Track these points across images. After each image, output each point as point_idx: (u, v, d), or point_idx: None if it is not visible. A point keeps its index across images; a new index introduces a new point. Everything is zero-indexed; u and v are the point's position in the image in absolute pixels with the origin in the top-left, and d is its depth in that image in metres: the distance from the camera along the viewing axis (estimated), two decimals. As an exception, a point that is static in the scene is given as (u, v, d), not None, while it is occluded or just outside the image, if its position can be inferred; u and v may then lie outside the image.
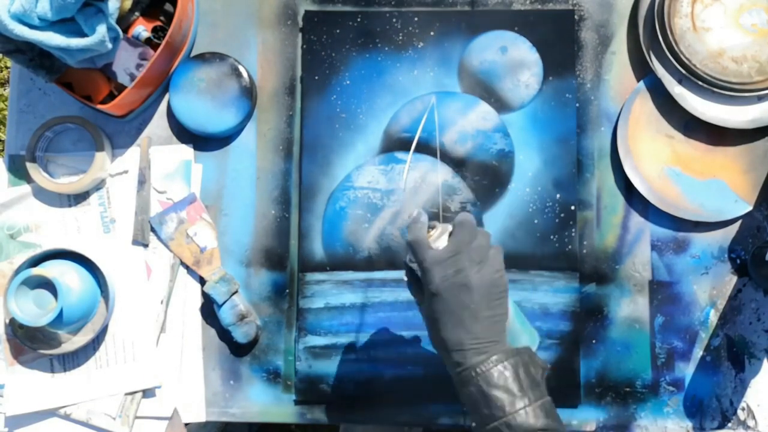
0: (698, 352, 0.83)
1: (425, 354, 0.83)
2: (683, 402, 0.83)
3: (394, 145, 0.85)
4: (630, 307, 0.84)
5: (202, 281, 0.85)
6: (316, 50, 0.86)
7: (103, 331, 0.83)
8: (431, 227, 0.64)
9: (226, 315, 0.83)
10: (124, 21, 0.82)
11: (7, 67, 1.67)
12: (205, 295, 0.84)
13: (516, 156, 0.85)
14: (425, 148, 0.85)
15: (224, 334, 0.84)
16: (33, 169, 0.84)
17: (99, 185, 0.86)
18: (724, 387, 0.83)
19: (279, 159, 0.87)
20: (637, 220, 0.85)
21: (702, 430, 0.83)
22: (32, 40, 0.74)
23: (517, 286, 0.83)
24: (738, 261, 0.84)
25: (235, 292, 0.83)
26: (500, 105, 0.85)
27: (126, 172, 0.87)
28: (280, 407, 0.84)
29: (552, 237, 0.83)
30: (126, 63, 0.82)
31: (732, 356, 0.83)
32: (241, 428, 1.27)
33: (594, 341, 0.84)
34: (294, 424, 1.31)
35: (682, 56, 0.83)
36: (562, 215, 0.84)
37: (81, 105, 0.85)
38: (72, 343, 0.82)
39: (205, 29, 0.88)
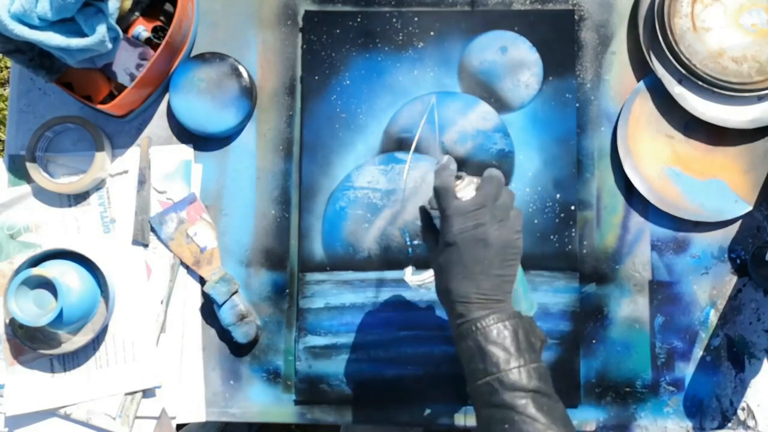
0: (698, 352, 0.83)
1: (425, 354, 0.83)
2: (683, 402, 0.83)
3: (394, 145, 0.85)
4: (630, 307, 0.84)
5: (202, 281, 0.85)
6: (316, 50, 0.86)
7: (103, 331, 0.83)
8: (459, 177, 0.64)
9: (226, 315, 0.83)
10: (124, 21, 0.82)
11: (7, 67, 1.67)
12: (205, 295, 0.84)
13: (516, 156, 0.85)
14: (425, 148, 0.85)
15: (224, 334, 0.84)
16: (33, 169, 0.84)
17: (99, 185, 0.86)
18: (724, 387, 0.83)
19: (279, 159, 0.87)
20: (637, 220, 0.85)
21: (702, 430, 0.83)
22: (32, 40, 0.74)
23: (517, 286, 0.83)
24: (738, 261, 0.84)
25: (235, 292, 0.83)
26: (500, 105, 0.85)
27: (126, 172, 0.87)
28: (280, 407, 0.84)
29: (552, 237, 0.83)
30: (126, 63, 0.82)
31: (732, 356, 0.83)
32: (241, 428, 1.27)
33: (594, 341, 0.84)
34: (294, 424, 1.31)
35: (682, 56, 0.83)
36: (562, 215, 0.84)
37: (81, 105, 0.85)
38: (72, 343, 0.82)
39: (205, 29, 0.88)
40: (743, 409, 0.83)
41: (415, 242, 0.84)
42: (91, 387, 0.83)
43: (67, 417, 0.83)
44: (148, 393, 0.84)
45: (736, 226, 0.85)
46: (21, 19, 0.73)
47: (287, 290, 0.85)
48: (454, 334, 0.62)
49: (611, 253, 0.84)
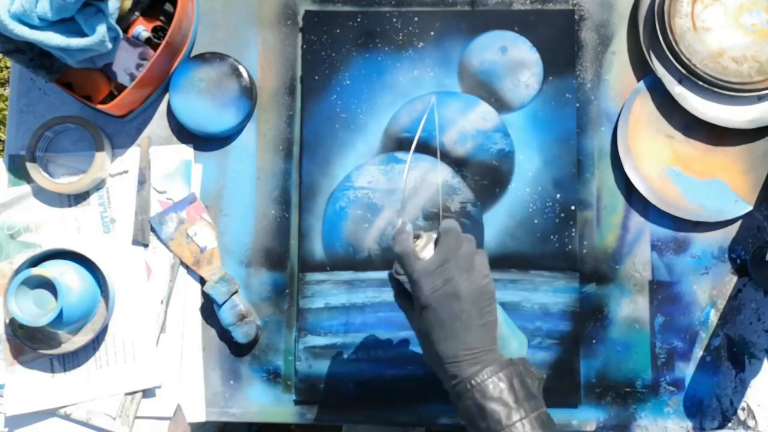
0: (698, 352, 0.83)
1: (425, 354, 0.83)
2: (683, 402, 0.83)
3: (394, 145, 0.85)
4: (630, 307, 0.84)
5: (202, 281, 0.85)
6: (316, 50, 0.86)
7: (103, 331, 0.83)
8: (417, 237, 0.64)
9: (226, 315, 0.83)
10: (124, 21, 0.82)
11: (7, 67, 1.67)
12: (205, 295, 0.84)
13: (516, 156, 0.85)
14: (425, 148, 0.85)
15: (224, 334, 0.84)
16: (33, 169, 0.84)
17: (99, 185, 0.86)
18: (724, 387, 0.83)
19: (279, 159, 0.87)
20: (637, 220, 0.85)
21: (702, 430, 0.83)
22: (32, 40, 0.74)
23: (517, 286, 0.83)
24: (738, 261, 0.84)
25: (235, 292, 0.83)
26: (500, 105, 0.85)
27: (126, 172, 0.87)
28: (280, 407, 0.84)
29: (552, 237, 0.83)
30: (126, 63, 0.82)
31: (732, 356, 0.83)
32: (241, 428, 1.27)
33: (594, 341, 0.84)
34: (294, 424, 1.31)
35: (682, 56, 0.83)
36: (562, 215, 0.84)
37: (81, 105, 0.85)
38: (72, 343, 0.82)
39: (205, 29, 0.88)
40: (743, 409, 0.83)
41: (415, 242, 0.84)
42: (91, 387, 0.83)
43: (67, 417, 0.83)
44: (148, 393, 0.84)
45: (736, 226, 0.85)
46: (21, 19, 0.73)
47: (287, 290, 0.85)
48: (451, 395, 0.62)
49: (611, 253, 0.84)
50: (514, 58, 0.86)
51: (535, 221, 0.84)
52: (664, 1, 0.83)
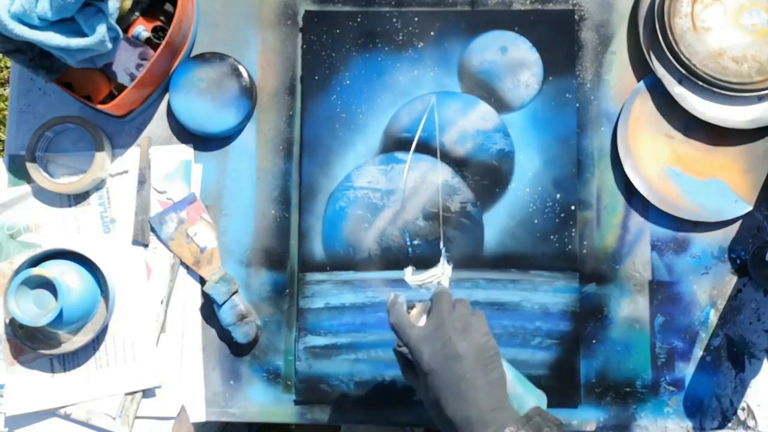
0: (698, 352, 0.83)
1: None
2: (683, 402, 0.83)
3: (394, 145, 0.85)
4: (630, 307, 0.84)
5: (202, 281, 0.85)
6: (316, 50, 0.86)
7: (103, 331, 0.83)
8: (410, 307, 0.65)
9: (226, 315, 0.83)
10: (124, 21, 0.82)
11: (7, 67, 1.67)
12: (205, 295, 0.84)
13: (516, 156, 0.85)
14: (425, 148, 0.85)
15: (224, 334, 0.84)
16: (33, 169, 0.84)
17: (99, 185, 0.86)
18: (724, 387, 0.83)
19: (279, 159, 0.87)
20: (637, 220, 0.85)
21: (702, 430, 0.83)
22: (32, 40, 0.74)
23: (517, 286, 0.83)
24: (738, 261, 0.84)
25: (235, 292, 0.83)
26: (500, 105, 0.85)
27: (126, 172, 0.87)
28: (280, 407, 0.84)
29: (552, 237, 0.83)
30: (126, 63, 0.82)
31: (732, 356, 0.83)
32: (241, 428, 1.27)
33: (594, 341, 0.84)
34: (294, 424, 1.31)
35: (682, 56, 0.83)
36: (562, 215, 0.84)
37: (81, 105, 0.85)
38: (72, 343, 0.82)
39: (205, 29, 0.88)
40: (743, 409, 0.83)
41: (416, 242, 0.84)
42: (91, 387, 0.83)
43: (67, 417, 0.83)
44: (148, 393, 0.84)
45: (736, 226, 0.85)
46: (21, 19, 0.73)
47: (287, 290, 0.85)
48: None
49: (611, 253, 0.84)
50: (514, 58, 0.86)
51: (535, 221, 0.84)
52: (664, 1, 0.83)
